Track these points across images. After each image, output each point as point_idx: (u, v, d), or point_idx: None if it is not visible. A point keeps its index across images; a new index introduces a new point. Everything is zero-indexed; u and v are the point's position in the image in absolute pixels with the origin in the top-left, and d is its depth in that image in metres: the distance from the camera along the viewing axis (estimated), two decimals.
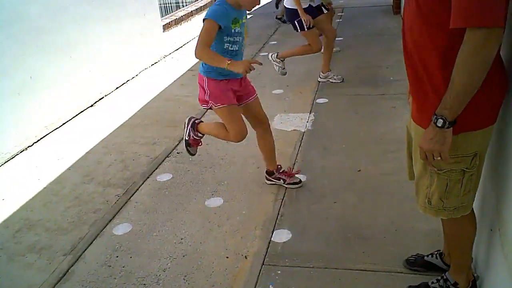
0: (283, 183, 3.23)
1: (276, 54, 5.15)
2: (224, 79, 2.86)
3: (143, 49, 6.40)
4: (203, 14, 8.45)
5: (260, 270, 2.50)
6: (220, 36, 2.72)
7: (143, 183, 3.50)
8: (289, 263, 2.53)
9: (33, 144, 4.33)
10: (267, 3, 9.73)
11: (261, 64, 2.73)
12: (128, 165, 3.82)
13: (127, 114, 4.87)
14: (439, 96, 1.60)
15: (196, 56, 2.65)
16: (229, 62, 2.58)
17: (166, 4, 7.65)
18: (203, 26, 2.67)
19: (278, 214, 2.97)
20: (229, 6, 2.71)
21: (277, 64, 5.15)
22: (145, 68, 6.50)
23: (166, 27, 7.11)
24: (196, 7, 8.46)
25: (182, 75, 6.08)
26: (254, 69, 2.63)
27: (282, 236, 2.75)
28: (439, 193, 1.82)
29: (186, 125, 3.23)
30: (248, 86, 3.05)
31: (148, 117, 4.83)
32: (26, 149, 4.25)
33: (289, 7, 4.83)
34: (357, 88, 5.00)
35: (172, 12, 7.74)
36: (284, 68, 5.17)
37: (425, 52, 1.65)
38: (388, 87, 4.91)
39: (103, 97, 5.45)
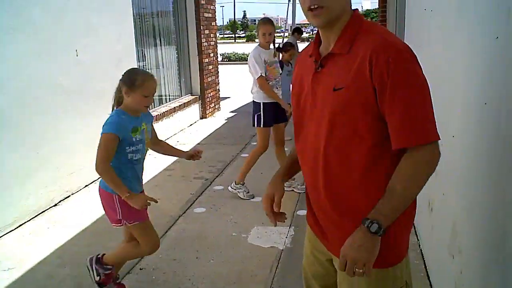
0: None
1: (233, 183, 4.99)
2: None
3: None
4: (185, 110, 8.44)
5: None
6: (122, 147, 2.65)
7: None
8: None
9: None
10: (248, 103, 9.73)
11: (156, 201, 2.69)
12: (81, 282, 3.36)
13: (92, 217, 4.47)
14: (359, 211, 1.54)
15: (98, 172, 2.58)
16: (128, 194, 2.58)
17: None
18: (101, 140, 2.60)
19: None
20: (126, 116, 2.69)
21: (239, 191, 4.93)
22: None
23: None
24: (180, 103, 8.39)
25: (156, 175, 5.78)
26: (150, 205, 2.66)
27: None
28: None
29: (90, 268, 3.02)
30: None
31: None
32: None
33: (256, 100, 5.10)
34: None
35: (154, 108, 7.58)
36: (248, 192, 4.92)
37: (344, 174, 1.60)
38: None
39: (69, 196, 5.08)
